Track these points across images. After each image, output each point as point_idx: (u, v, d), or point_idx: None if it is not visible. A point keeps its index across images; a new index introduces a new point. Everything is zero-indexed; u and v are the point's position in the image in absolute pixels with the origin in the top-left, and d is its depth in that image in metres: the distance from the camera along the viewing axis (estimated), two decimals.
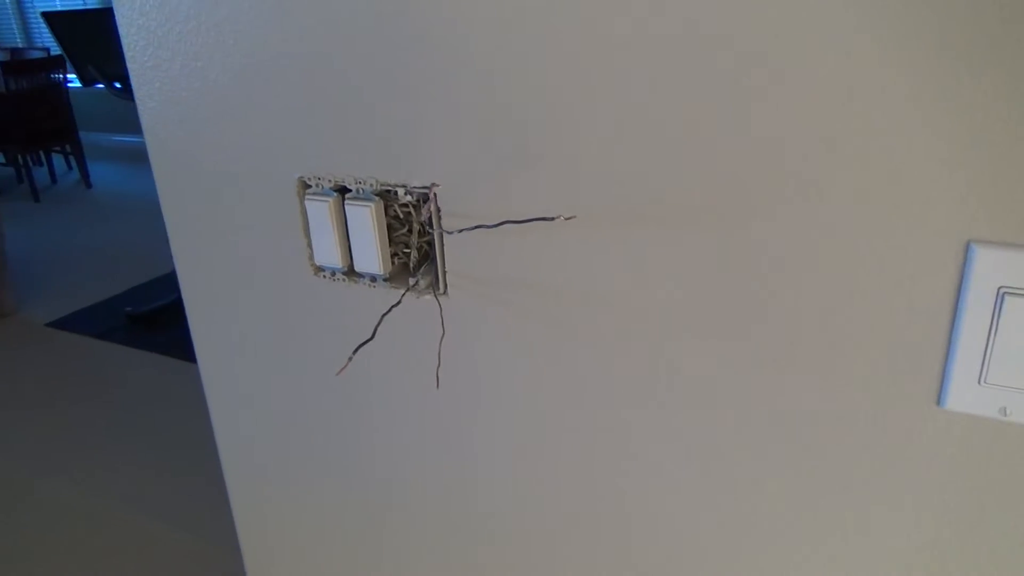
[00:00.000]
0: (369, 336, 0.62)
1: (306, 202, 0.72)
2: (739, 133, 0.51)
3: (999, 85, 0.43)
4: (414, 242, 0.72)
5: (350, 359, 0.62)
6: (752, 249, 0.54)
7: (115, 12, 0.76)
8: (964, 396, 0.51)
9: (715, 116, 0.51)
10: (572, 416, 0.67)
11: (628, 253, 0.57)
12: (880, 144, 0.48)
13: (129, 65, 0.78)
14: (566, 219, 0.55)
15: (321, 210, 0.72)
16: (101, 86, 2.80)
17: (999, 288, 0.48)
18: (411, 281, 0.70)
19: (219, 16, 0.69)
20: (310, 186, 0.73)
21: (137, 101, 0.79)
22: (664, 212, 0.55)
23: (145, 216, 4.45)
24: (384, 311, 0.67)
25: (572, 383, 0.66)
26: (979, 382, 0.50)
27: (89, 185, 5.12)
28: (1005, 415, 0.50)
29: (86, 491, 1.93)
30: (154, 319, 3.12)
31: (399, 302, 0.66)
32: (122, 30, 0.76)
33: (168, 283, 3.51)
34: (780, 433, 0.58)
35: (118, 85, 2.81)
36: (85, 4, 5.53)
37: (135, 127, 5.70)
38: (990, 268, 0.48)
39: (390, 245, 0.72)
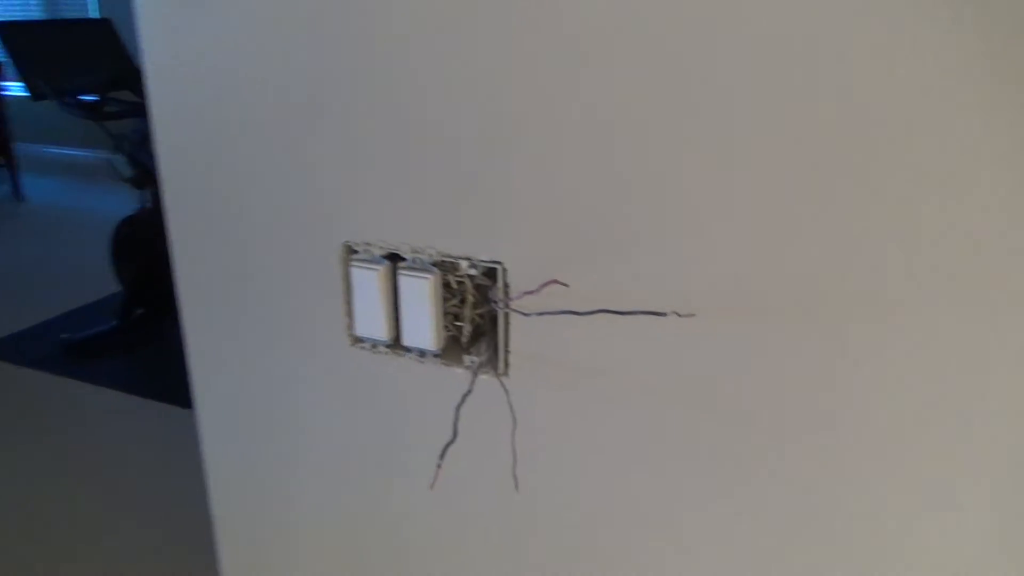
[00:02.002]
0: (451, 437, 0.57)
1: (352, 269, 0.66)
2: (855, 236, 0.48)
3: None
4: (467, 315, 0.67)
5: (439, 466, 0.56)
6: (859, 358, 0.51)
7: (143, 52, 0.69)
8: None
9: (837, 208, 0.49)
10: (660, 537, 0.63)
11: (731, 348, 0.53)
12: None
13: (154, 109, 0.71)
14: (681, 316, 0.51)
15: (368, 279, 0.66)
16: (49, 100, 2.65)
17: None
18: (466, 360, 0.65)
19: (256, 71, 0.63)
20: (356, 252, 0.67)
21: (156, 146, 0.72)
22: (767, 312, 0.51)
23: (82, 233, 4.21)
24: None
25: (653, 491, 0.61)
26: None
27: (21, 198, 4.85)
28: None
29: (31, 537, 1.77)
30: (93, 346, 2.94)
31: (471, 391, 0.60)
32: (149, 72, 0.69)
33: (107, 307, 3.32)
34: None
35: (69, 100, 2.66)
36: (27, 15, 5.28)
37: (75, 139, 5.45)
38: None
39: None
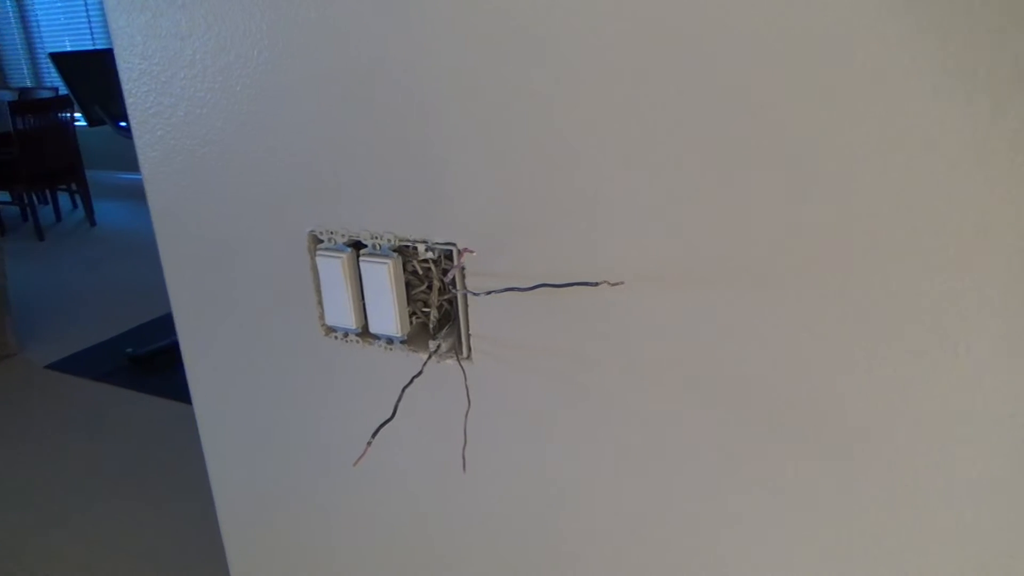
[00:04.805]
0: (389, 415, 0.56)
1: (317, 258, 0.67)
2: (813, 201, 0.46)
3: None
4: (434, 301, 0.66)
5: (369, 443, 0.56)
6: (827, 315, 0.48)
7: (116, 56, 0.72)
8: None
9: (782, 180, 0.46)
10: (623, 512, 0.61)
11: (684, 319, 0.51)
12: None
13: (130, 111, 0.73)
14: (612, 285, 0.50)
15: (333, 267, 0.66)
16: (107, 125, 2.78)
17: None
18: (431, 345, 0.64)
19: (224, 61, 0.65)
20: (322, 241, 0.67)
21: (138, 150, 0.74)
22: (720, 277, 0.49)
23: (147, 254, 4.40)
24: (404, 382, 0.61)
25: (615, 465, 0.60)
26: None
27: (93, 223, 5.09)
28: None
29: (82, 539, 1.85)
30: (154, 360, 3.06)
31: (421, 372, 0.60)
32: (123, 75, 0.72)
33: (169, 323, 3.45)
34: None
35: (123, 124, 2.79)
36: (94, 44, 5.56)
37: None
38: None
39: (408, 304, 0.66)
